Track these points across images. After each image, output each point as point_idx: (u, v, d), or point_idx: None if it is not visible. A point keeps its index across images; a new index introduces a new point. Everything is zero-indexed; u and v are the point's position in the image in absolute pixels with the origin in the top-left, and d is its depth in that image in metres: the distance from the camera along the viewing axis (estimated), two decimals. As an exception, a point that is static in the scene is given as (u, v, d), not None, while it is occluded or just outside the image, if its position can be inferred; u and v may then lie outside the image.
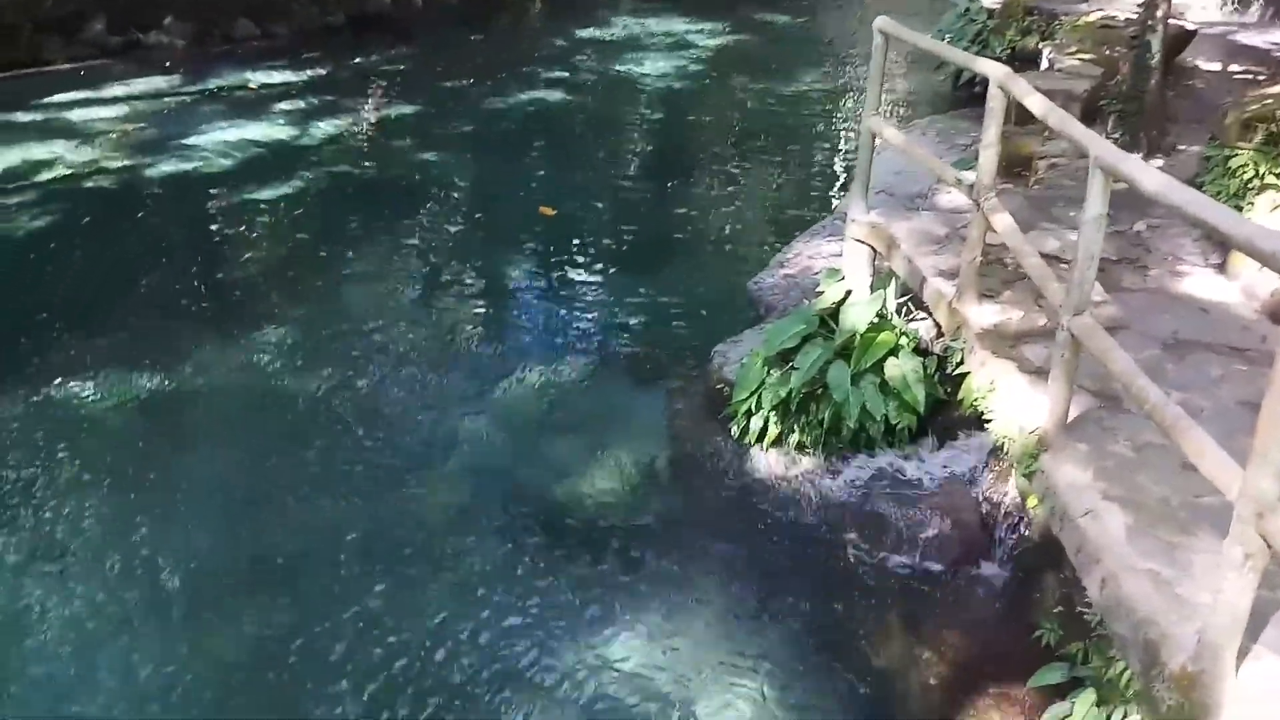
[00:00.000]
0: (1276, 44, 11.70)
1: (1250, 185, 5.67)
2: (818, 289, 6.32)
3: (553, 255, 8.53)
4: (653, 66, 14.14)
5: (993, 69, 4.84)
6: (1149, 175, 3.22)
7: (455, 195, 9.91)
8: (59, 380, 6.55)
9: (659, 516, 5.39)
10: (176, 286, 7.92)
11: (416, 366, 6.94)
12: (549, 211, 9.10)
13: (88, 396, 6.43)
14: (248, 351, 7.01)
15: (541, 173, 10.31)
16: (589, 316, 7.56)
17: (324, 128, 11.44)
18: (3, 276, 8.18)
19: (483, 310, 7.81)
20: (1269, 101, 6.19)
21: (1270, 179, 5.57)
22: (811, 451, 5.56)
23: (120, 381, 6.57)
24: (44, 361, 6.83)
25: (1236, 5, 13.67)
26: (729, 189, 10.04)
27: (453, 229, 9.13)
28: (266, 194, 9.69)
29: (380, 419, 6.32)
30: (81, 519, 5.34)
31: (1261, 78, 9.76)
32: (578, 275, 8.18)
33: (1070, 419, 3.96)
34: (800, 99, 12.78)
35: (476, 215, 9.37)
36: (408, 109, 12.29)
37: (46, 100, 11.85)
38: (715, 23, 16.07)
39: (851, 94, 12.55)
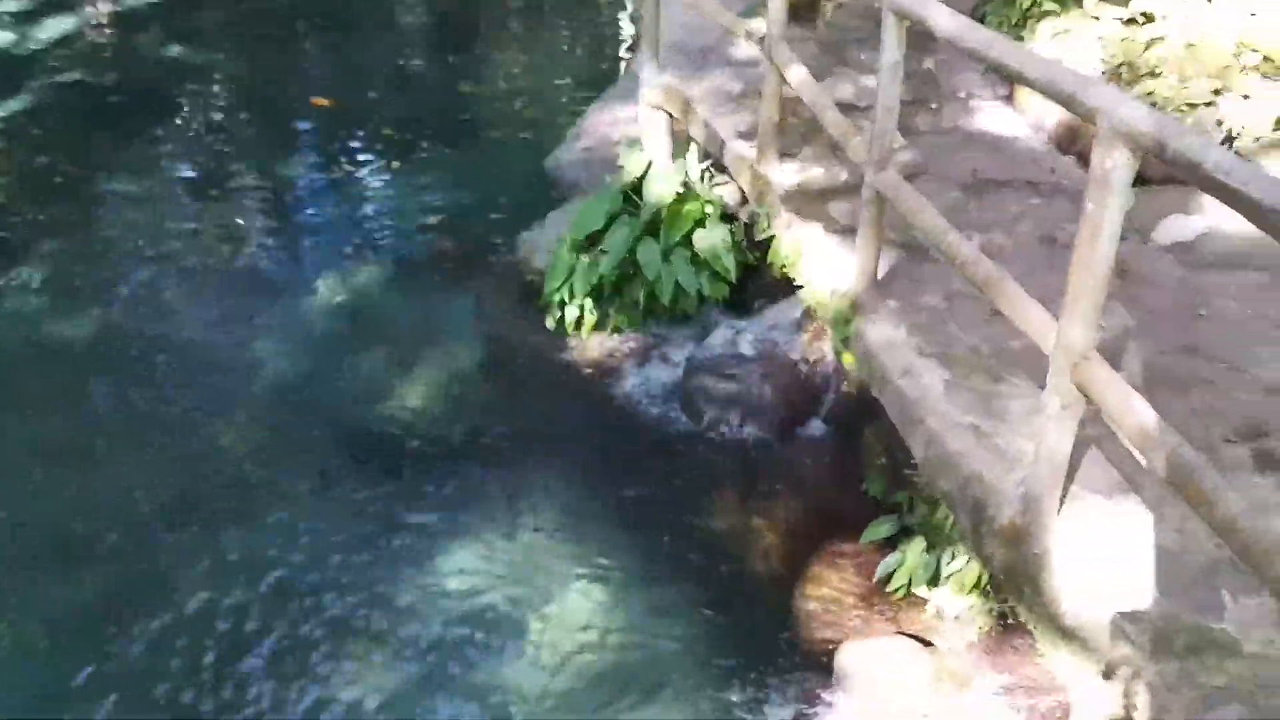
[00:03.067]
0: None
1: (1030, 13, 5.70)
2: (618, 162, 6.06)
3: (334, 151, 7.88)
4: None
5: (771, -88, 4.58)
6: (944, 17, 3.09)
7: (215, 93, 8.96)
8: None
9: (481, 422, 5.16)
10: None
11: (197, 291, 6.33)
12: (324, 102, 8.36)
13: None
14: (-3, 300, 6.22)
15: (311, 60, 9.48)
16: (382, 215, 7.07)
17: (47, 29, 10.06)
18: None
19: (264, 220, 7.18)
20: (1038, -74, 6.19)
21: (1049, 5, 5.61)
22: (630, 333, 5.44)
23: None
24: None
25: None
26: (517, 58, 9.53)
27: (217, 132, 8.28)
28: (-12, 111, 8.50)
29: (166, 353, 5.74)
30: None
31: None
32: (364, 170, 7.61)
33: (880, 275, 3.93)
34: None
35: (242, 114, 8.53)
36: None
37: None
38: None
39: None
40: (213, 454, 5.02)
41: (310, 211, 7.28)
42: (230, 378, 5.58)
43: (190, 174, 7.72)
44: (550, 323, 5.57)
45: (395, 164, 7.67)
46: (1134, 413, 2.37)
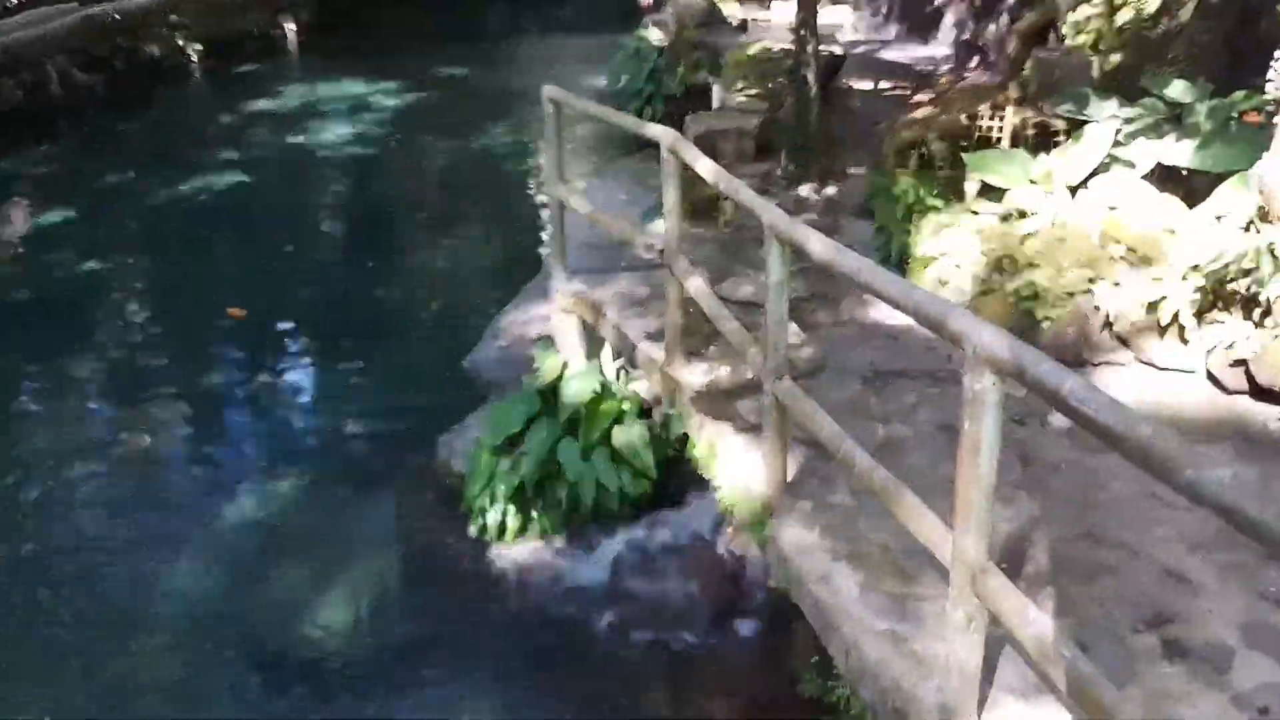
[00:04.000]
0: (913, 58, 12.91)
1: (914, 207, 6.09)
2: (534, 365, 6.18)
3: (251, 360, 7.88)
4: (334, 134, 13.56)
5: (661, 135, 4.88)
6: (818, 244, 3.31)
7: (130, 307, 8.97)
8: None
9: (401, 637, 5.03)
10: None
11: (109, 508, 6.21)
12: (239, 313, 8.40)
13: None
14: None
15: (226, 269, 9.55)
16: (300, 423, 7.05)
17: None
18: None
19: (179, 435, 7.10)
20: (916, 128, 6.71)
21: (930, 201, 6.02)
22: (555, 535, 5.42)
23: None
24: None
25: (871, 25, 14.98)
26: (433, 260, 9.75)
27: (132, 345, 8.24)
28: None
29: (77, 576, 5.58)
30: None
31: (908, 90, 10.72)
32: (281, 379, 7.62)
33: (790, 475, 4.02)
34: (492, 154, 12.68)
35: (157, 327, 8.52)
36: (60, 214, 10.99)
37: None
38: (393, 81, 15.66)
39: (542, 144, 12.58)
40: (121, 682, 4.83)
41: (227, 423, 7.22)
42: (141, 599, 5.41)
43: (104, 389, 7.65)
44: (472, 529, 5.53)
45: (312, 371, 7.71)
46: (1031, 624, 2.44)
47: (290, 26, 19.60)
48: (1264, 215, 4.48)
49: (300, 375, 7.67)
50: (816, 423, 3.50)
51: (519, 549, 5.40)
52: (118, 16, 16.48)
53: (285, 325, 8.38)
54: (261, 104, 15.03)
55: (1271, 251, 4.34)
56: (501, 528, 5.43)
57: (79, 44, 15.53)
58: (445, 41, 18.59)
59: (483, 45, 18.72)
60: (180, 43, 17.28)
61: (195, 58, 17.14)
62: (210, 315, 8.45)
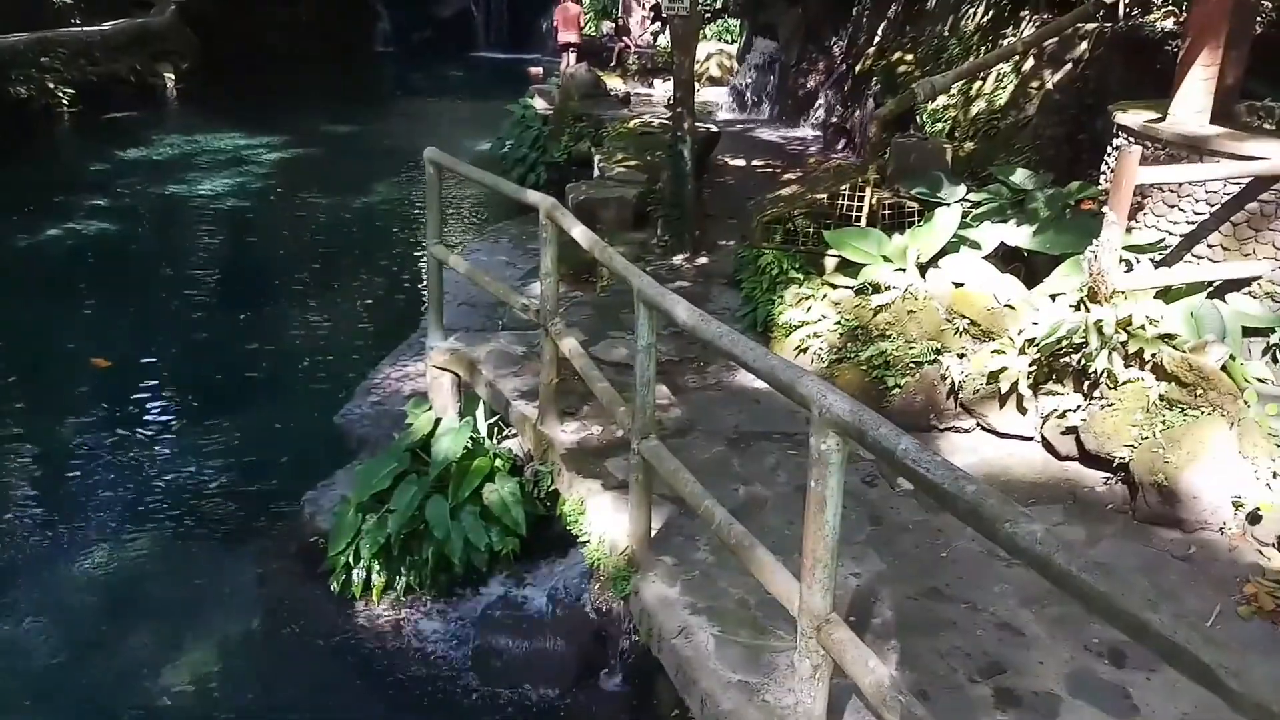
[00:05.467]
0: (785, 138, 13.53)
1: (778, 279, 6.38)
2: (406, 421, 6.17)
3: (112, 412, 7.60)
4: (211, 186, 13.30)
5: (540, 201, 5.01)
6: (683, 312, 3.47)
7: (-21, 353, 8.56)
8: None
9: (258, 701, 4.89)
10: None
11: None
12: (102, 363, 8.11)
13: None
14: None
15: (91, 318, 9.22)
16: (160, 479, 6.79)
17: None
18: None
19: (29, 488, 6.76)
20: (782, 205, 7.05)
21: (793, 274, 6.31)
22: (421, 594, 5.37)
23: None
24: None
25: (740, 106, 15.63)
26: (307, 314, 9.61)
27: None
28: None
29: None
30: None
31: (778, 169, 11.22)
32: (143, 433, 7.34)
33: (654, 531, 4.13)
34: (373, 212, 12.65)
35: (13, 375, 8.13)
36: (-90, 256, 10.50)
37: None
38: (275, 135, 15.51)
39: (424, 204, 12.61)
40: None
41: (81, 477, 6.90)
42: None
43: (-55, 441, 7.24)
44: (335, 586, 5.43)
45: (177, 425, 7.47)
46: (871, 673, 2.59)
47: (169, 75, 19.24)
48: (1093, 296, 4.87)
49: (163, 429, 7.42)
50: (679, 481, 3.62)
51: (382, 607, 5.33)
52: (-17, 56, 15.93)
53: (151, 377, 8.13)
54: (135, 152, 14.67)
55: (1099, 328, 4.73)
56: (365, 585, 5.36)
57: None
58: (334, 98, 18.55)
59: (372, 104, 18.75)
60: (50, 85, 16.75)
61: (65, 102, 16.62)
62: (72, 365, 8.14)
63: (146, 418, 7.58)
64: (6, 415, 7.51)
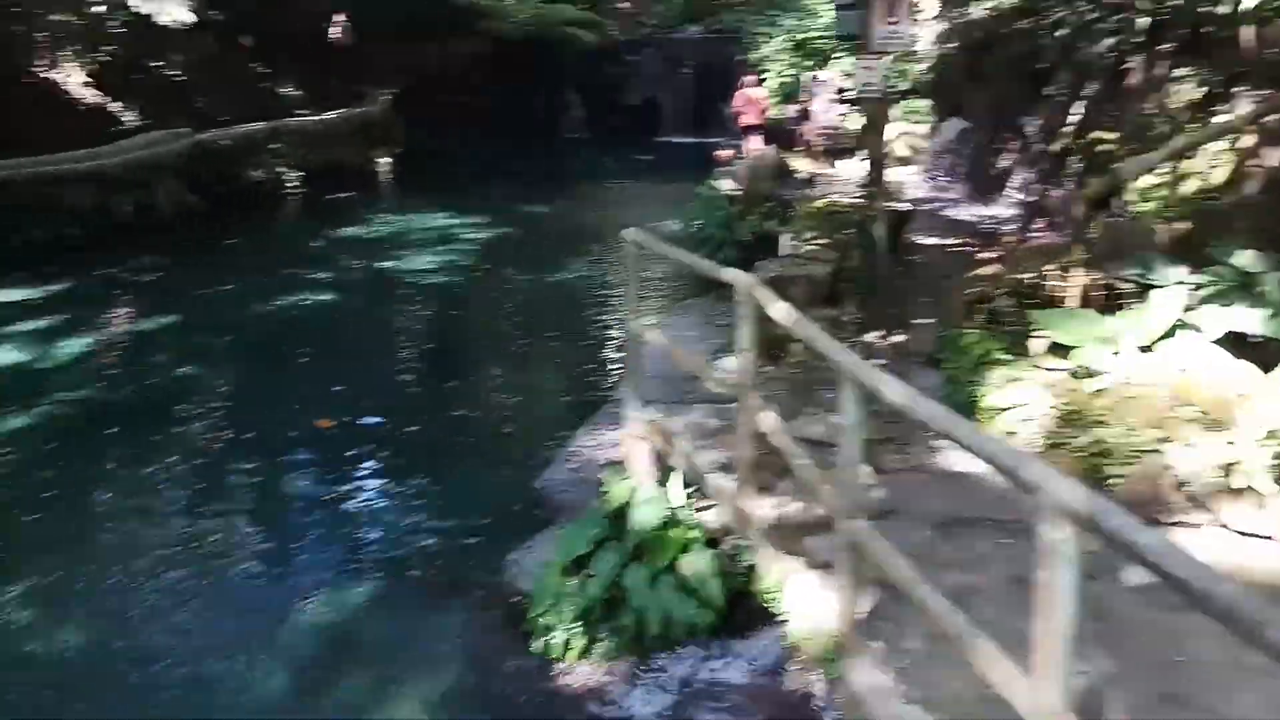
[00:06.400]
0: (978, 216, 13.30)
1: (982, 360, 6.26)
2: (602, 489, 6.35)
3: (331, 471, 8.16)
4: (418, 262, 14.23)
5: (738, 278, 5.15)
6: (892, 388, 3.48)
7: (220, 413, 9.38)
8: None
9: (464, 754, 5.07)
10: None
11: (182, 609, 6.35)
12: (326, 424, 8.76)
13: None
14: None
15: (312, 382, 9.96)
16: (372, 535, 7.22)
17: (68, 347, 10.67)
18: None
19: (255, 538, 7.31)
20: (984, 284, 6.94)
21: (997, 354, 6.18)
22: (620, 659, 5.45)
23: None
24: None
25: (931, 184, 15.48)
26: (508, 384, 10.07)
27: (219, 450, 8.59)
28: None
29: (150, 672, 5.71)
30: None
31: (973, 247, 11.03)
32: (358, 491, 7.84)
33: (862, 615, 4.09)
34: (568, 288, 13.18)
35: (245, 434, 8.87)
36: (161, 321, 11.68)
37: None
38: (476, 216, 16.47)
39: (616, 280, 13.05)
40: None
41: (302, 530, 7.42)
42: (209, 698, 5.51)
43: (190, 489, 7.93)
44: (536, 647, 5.60)
45: (388, 485, 7.93)
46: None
47: (383, 160, 20.81)
48: (1337, 384, 4.57)
49: (377, 488, 7.89)
50: (891, 565, 3.59)
51: (582, 671, 5.44)
52: (225, 143, 17.71)
53: (367, 439, 8.68)
54: (350, 230, 15.89)
55: (1345, 421, 4.42)
56: (565, 647, 5.50)
57: (188, 167, 16.66)
58: (527, 182, 19.54)
59: (566, 186, 19.66)
60: (280, 170, 18.41)
61: (294, 184, 18.21)
62: (297, 424, 8.82)
63: (362, 477, 8.09)
64: (236, 470, 8.18)
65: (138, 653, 5.91)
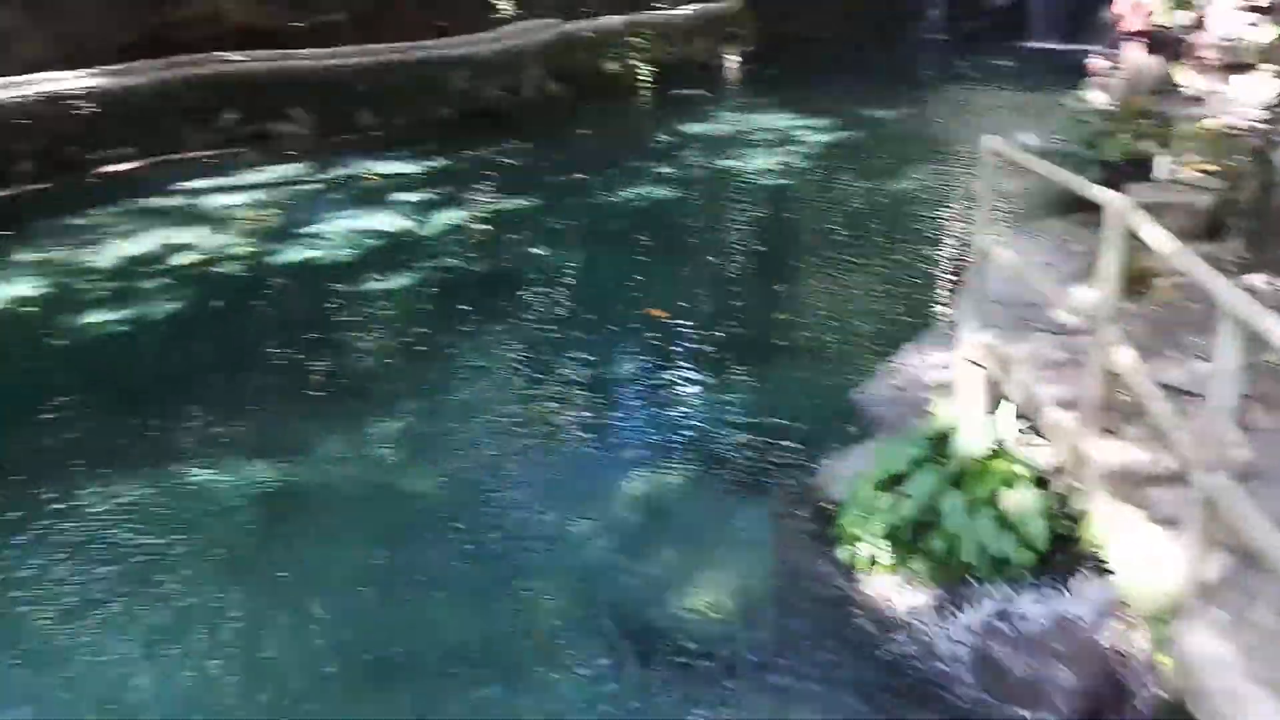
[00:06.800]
0: None
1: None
2: (928, 408, 6.21)
3: (655, 357, 8.57)
4: (759, 163, 14.29)
5: (1111, 199, 4.74)
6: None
7: (563, 291, 10.09)
8: (180, 461, 6.86)
9: (761, 642, 5.27)
10: (294, 373, 8.23)
11: (520, 464, 7.03)
12: (658, 313, 9.19)
13: (206, 479, 6.69)
14: (358, 442, 7.21)
15: (648, 270, 10.41)
16: (692, 423, 7.54)
17: (438, 219, 11.84)
18: (135, 356, 8.64)
19: (586, 410, 7.86)
20: None
21: None
22: (925, 584, 5.41)
23: (237, 466, 6.83)
24: (167, 441, 7.16)
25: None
26: (835, 291, 10.00)
27: (560, 326, 9.28)
28: (381, 284, 10.05)
29: (484, 516, 6.44)
30: (191, 600, 5.57)
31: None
32: (682, 379, 8.20)
33: (1209, 579, 3.77)
34: (908, 198, 12.73)
35: (584, 314, 9.50)
36: (518, 202, 12.65)
37: (183, 186, 12.56)
38: (820, 119, 16.19)
39: (961, 194, 12.43)
40: (509, 614, 5.53)
41: (630, 409, 7.90)
42: (535, 549, 6.13)
43: (533, 358, 8.66)
44: (842, 555, 5.67)
45: (708, 377, 8.21)
46: None
47: (731, 56, 20.88)
48: None
49: (699, 379, 8.20)
50: (1252, 527, 3.28)
51: (884, 586, 5.45)
52: (588, 34, 18.50)
53: (693, 330, 9.01)
54: (696, 127, 16.19)
55: None
56: (871, 561, 5.52)
57: (552, 56, 17.60)
58: (879, 83, 18.87)
59: (914, 90, 18.81)
60: (633, 63, 18.99)
61: (645, 78, 18.76)
62: (631, 309, 9.33)
63: (686, 364, 8.43)
64: (575, 344, 8.79)
65: (473, 496, 6.63)
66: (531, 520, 6.42)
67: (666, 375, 8.28)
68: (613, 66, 18.59)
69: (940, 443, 5.80)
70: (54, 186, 12.19)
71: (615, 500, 6.63)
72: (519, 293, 9.91)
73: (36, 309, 9.31)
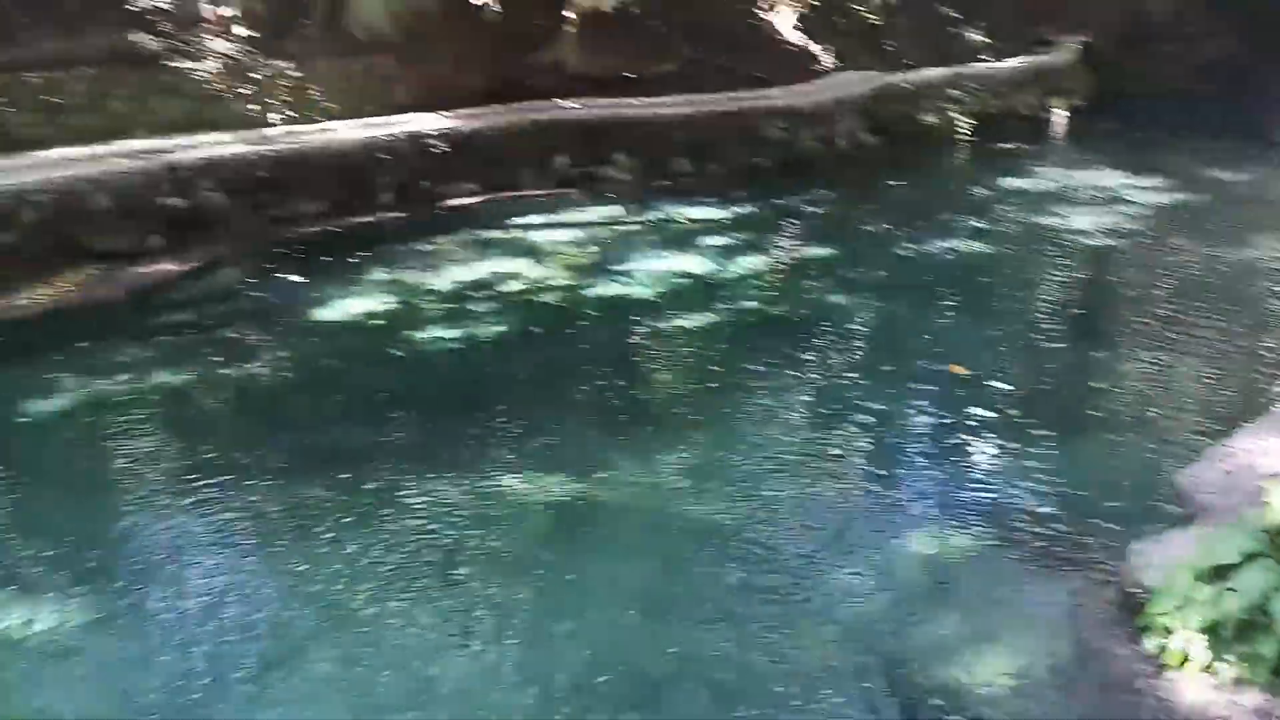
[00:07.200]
0: None
1: None
2: (1263, 499, 5.57)
3: (955, 416, 8.28)
4: (1082, 222, 13.47)
5: None
6: None
7: (860, 341, 10.01)
8: (488, 466, 7.43)
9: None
10: (596, 398, 8.72)
11: (802, 508, 7.02)
12: (960, 370, 8.89)
13: (510, 485, 7.21)
14: (649, 468, 7.50)
15: (953, 327, 10.11)
16: (988, 487, 7.22)
17: (743, 263, 12.12)
18: (461, 370, 9.50)
19: (875, 461, 7.75)
20: None
21: None
22: (1246, 689, 4.84)
23: (538, 477, 7.30)
24: (480, 447, 7.78)
25: None
26: (1161, 363, 9.22)
27: (853, 375, 9.21)
28: (682, 322, 10.43)
29: (762, 553, 6.47)
30: (485, 592, 6.04)
31: None
32: (981, 441, 7.87)
33: None
34: (1251, 271, 11.51)
35: (880, 365, 9.36)
36: (822, 251, 12.70)
37: (516, 221, 13.69)
38: (1155, 178, 15.03)
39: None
40: (775, 653, 5.52)
41: (920, 465, 7.68)
42: (806, 591, 6.10)
43: (822, 404, 8.65)
44: (1150, 646, 5.20)
45: (1011, 442, 7.81)
46: None
47: (1059, 111, 19.90)
48: None
49: (1001, 443, 7.83)
50: None
51: (1198, 685, 4.94)
52: (907, 86, 18.33)
53: (996, 393, 8.62)
54: (1014, 182, 15.55)
55: None
56: (1183, 656, 5.02)
57: (868, 107, 17.59)
58: (1226, 143, 17.27)
59: (1269, 152, 17.01)
60: (952, 115, 18.56)
61: (963, 130, 18.28)
62: (931, 364, 9.09)
63: (985, 426, 8.07)
64: (867, 393, 8.66)
65: (761, 535, 6.66)
66: (809, 564, 6.40)
67: (964, 435, 7.98)
68: (929, 118, 18.27)
69: (1277, 537, 5.19)
70: (408, 215, 13.67)
71: (899, 556, 6.47)
72: (815, 339, 9.94)
73: (384, 322, 10.45)
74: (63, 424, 8.33)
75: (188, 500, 7.10)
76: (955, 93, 18.74)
